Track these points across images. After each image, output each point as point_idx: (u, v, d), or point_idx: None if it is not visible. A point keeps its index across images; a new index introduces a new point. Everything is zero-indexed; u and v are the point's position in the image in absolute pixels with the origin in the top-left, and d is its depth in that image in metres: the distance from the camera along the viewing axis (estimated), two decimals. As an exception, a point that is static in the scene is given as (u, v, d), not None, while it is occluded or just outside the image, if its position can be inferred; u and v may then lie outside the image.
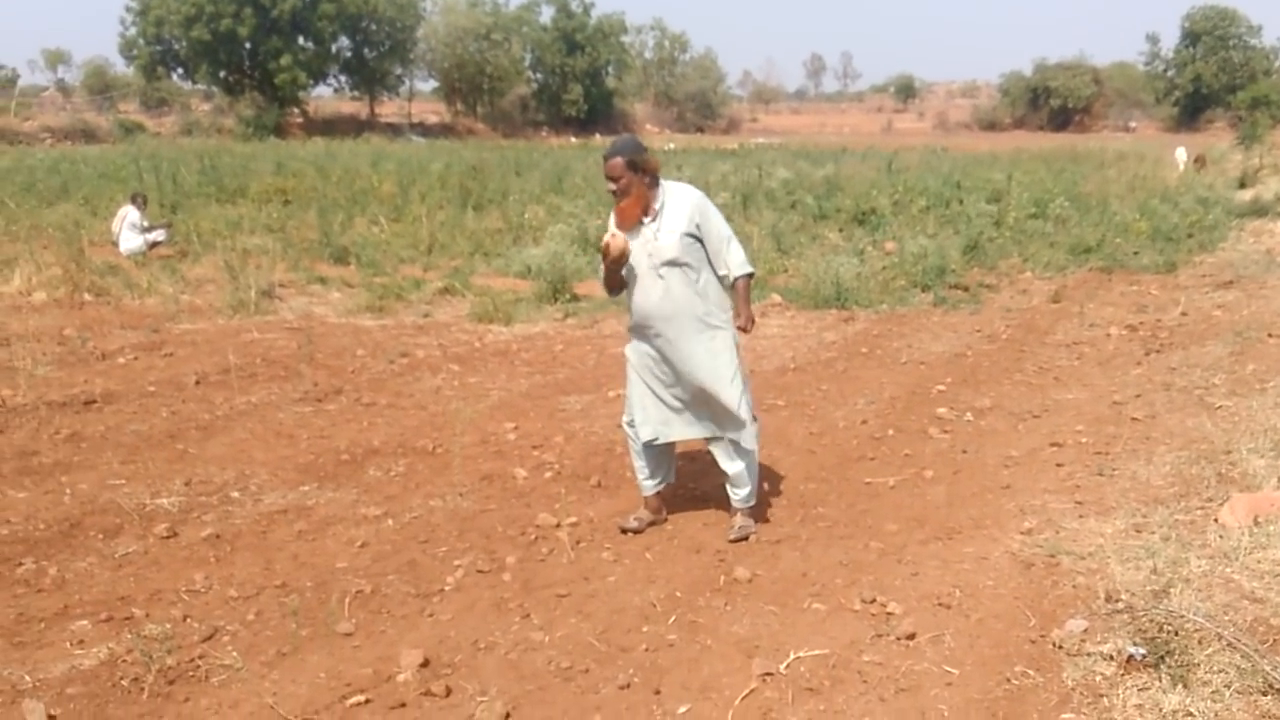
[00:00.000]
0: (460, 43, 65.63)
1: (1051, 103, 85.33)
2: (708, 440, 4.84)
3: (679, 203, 4.57)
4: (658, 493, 5.00)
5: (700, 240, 4.56)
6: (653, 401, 4.76)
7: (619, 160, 4.47)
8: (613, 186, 4.52)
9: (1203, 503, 4.87)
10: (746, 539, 4.78)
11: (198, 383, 7.52)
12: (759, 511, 5.04)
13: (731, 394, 4.63)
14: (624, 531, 4.89)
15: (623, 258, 4.53)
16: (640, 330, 4.71)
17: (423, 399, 7.29)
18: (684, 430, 4.80)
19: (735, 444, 4.76)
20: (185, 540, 4.79)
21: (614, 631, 3.91)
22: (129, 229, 13.43)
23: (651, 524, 4.97)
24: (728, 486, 4.90)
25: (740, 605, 4.11)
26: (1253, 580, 4.02)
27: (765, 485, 5.50)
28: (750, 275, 4.73)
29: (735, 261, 4.65)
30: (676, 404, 4.75)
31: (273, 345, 8.83)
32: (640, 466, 4.95)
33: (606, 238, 4.55)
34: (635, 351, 4.78)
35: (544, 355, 8.73)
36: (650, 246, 4.53)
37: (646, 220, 4.55)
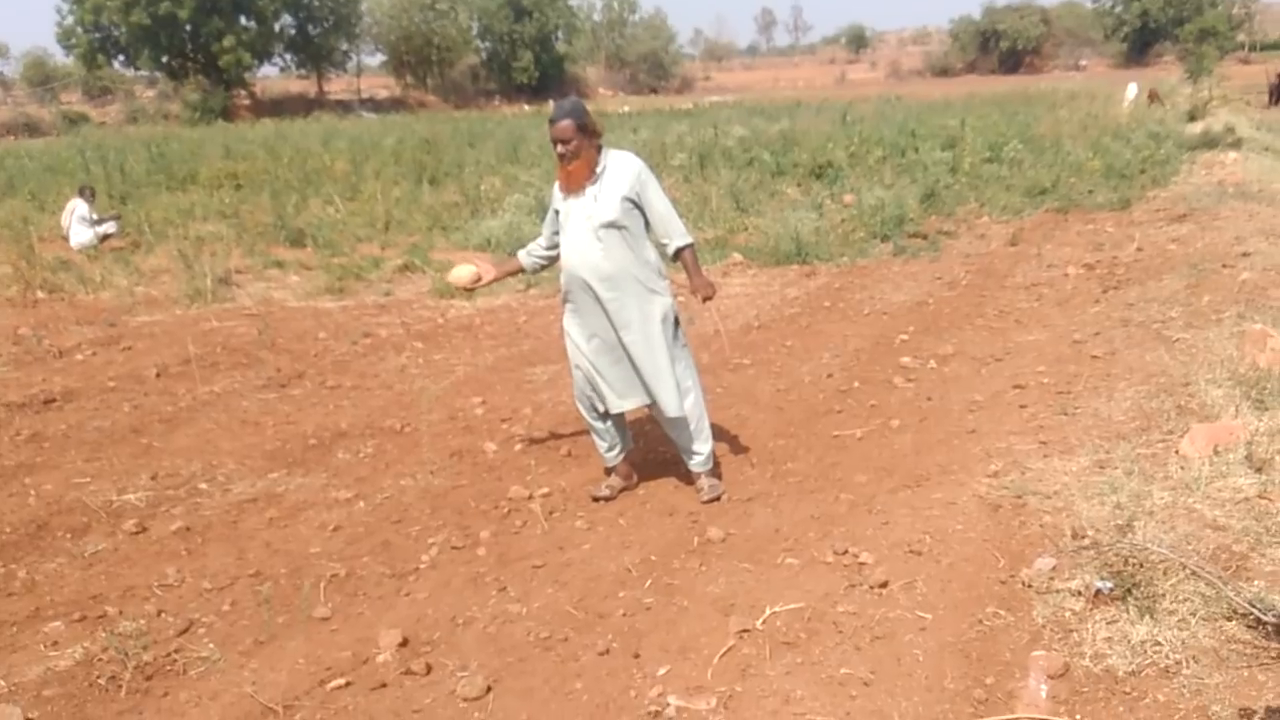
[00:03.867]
0: (405, 14, 64.68)
1: (1002, 45, 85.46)
2: (650, 408, 4.84)
3: (620, 168, 4.57)
4: (625, 459, 5.02)
5: (639, 207, 4.56)
6: (594, 375, 4.73)
7: (569, 123, 4.46)
8: (562, 150, 4.50)
9: (1163, 435, 4.95)
10: (719, 499, 4.82)
11: (158, 375, 7.43)
12: (724, 470, 5.07)
13: (663, 361, 4.61)
14: (596, 499, 4.91)
15: (477, 282, 5.01)
16: (574, 294, 4.67)
17: (388, 379, 7.26)
18: (626, 400, 4.75)
19: (668, 414, 4.74)
20: (155, 535, 4.76)
21: (591, 599, 3.93)
22: (79, 222, 13.22)
23: (623, 490, 5.00)
24: (683, 454, 4.91)
25: (715, 565, 4.14)
26: (1214, 509, 4.10)
27: (734, 444, 5.54)
28: (691, 245, 4.72)
29: (677, 231, 4.64)
30: (615, 374, 4.70)
31: (232, 333, 8.74)
32: (597, 440, 4.97)
33: (460, 280, 5.04)
34: (571, 324, 4.75)
35: (508, 328, 8.70)
36: (590, 209, 4.52)
37: (588, 183, 4.54)
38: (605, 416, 4.86)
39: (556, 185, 4.68)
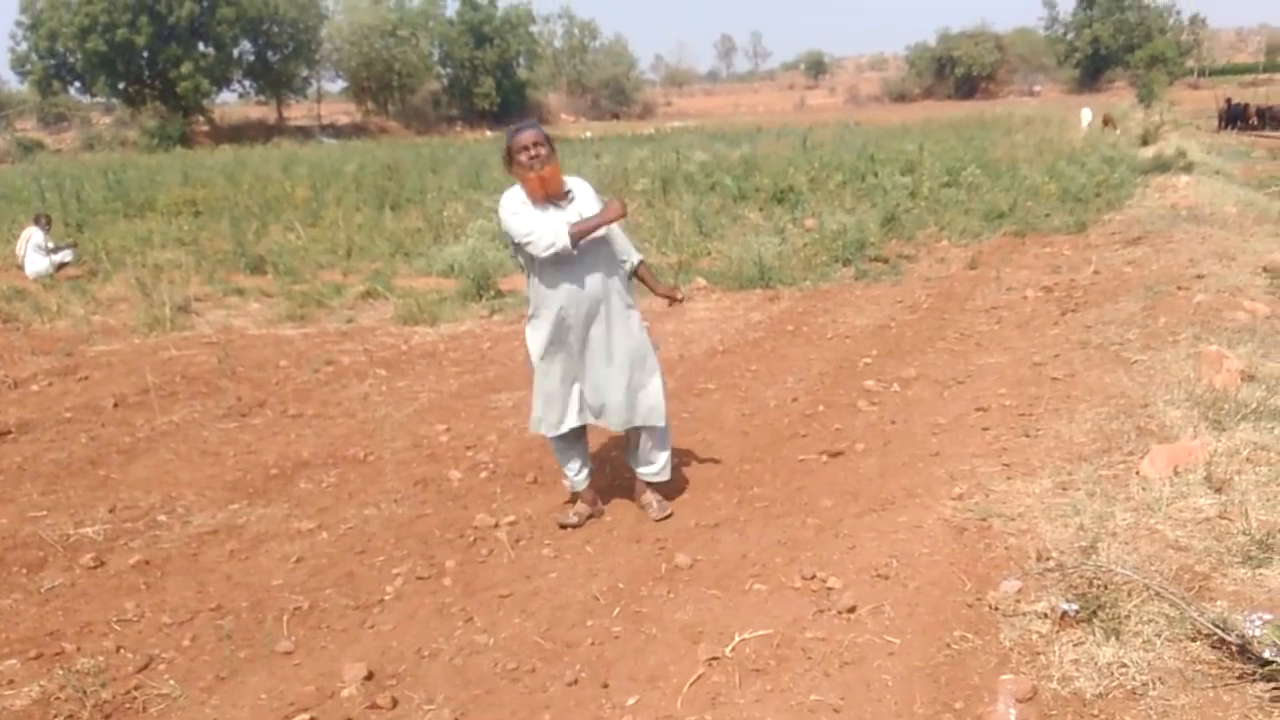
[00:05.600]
0: (366, 40, 64.67)
1: (957, 71, 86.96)
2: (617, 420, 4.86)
3: (584, 189, 4.69)
4: (590, 485, 5.01)
5: None
6: (569, 391, 4.75)
7: (538, 131, 4.53)
8: (535, 153, 4.44)
9: (1124, 457, 5.00)
10: (670, 516, 4.88)
11: (116, 405, 7.32)
12: (690, 495, 5.07)
13: (647, 374, 4.75)
14: (563, 527, 4.89)
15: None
16: (566, 316, 4.59)
17: (351, 407, 7.19)
18: (606, 418, 4.81)
19: (652, 424, 4.82)
20: (113, 569, 4.67)
21: (558, 628, 3.90)
22: (34, 251, 13.04)
23: (590, 517, 4.98)
24: (641, 465, 4.96)
25: (683, 592, 4.12)
26: (1175, 530, 4.14)
27: (701, 469, 5.53)
28: (643, 259, 4.94)
29: (632, 248, 4.86)
30: (595, 392, 4.73)
31: (192, 361, 8.63)
32: (565, 462, 4.96)
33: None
34: (553, 343, 4.65)
35: (472, 354, 8.66)
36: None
37: (564, 204, 4.56)
38: (571, 438, 4.85)
39: (521, 200, 4.53)
